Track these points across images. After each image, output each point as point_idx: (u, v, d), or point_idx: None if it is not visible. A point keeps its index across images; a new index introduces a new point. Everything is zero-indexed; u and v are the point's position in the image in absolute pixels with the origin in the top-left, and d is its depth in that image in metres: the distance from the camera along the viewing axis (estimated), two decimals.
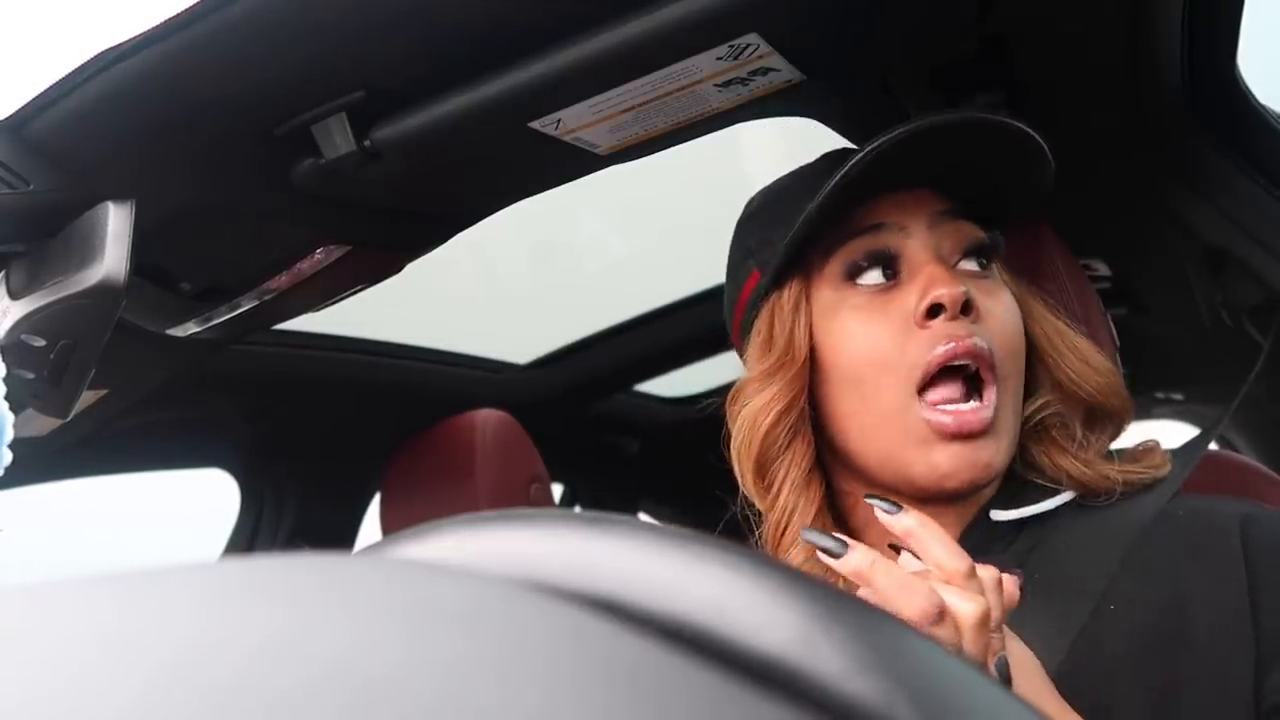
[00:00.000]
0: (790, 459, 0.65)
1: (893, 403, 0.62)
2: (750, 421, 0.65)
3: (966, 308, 0.61)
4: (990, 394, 0.61)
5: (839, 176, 0.61)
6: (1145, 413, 1.94)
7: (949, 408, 0.60)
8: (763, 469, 0.65)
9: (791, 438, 0.65)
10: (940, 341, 0.60)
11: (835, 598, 0.16)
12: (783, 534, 0.65)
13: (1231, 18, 0.76)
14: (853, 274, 0.65)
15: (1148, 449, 0.67)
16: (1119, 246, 1.12)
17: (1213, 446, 1.57)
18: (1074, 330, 0.68)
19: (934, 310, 0.61)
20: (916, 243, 0.64)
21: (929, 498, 0.63)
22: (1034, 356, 0.67)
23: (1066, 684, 0.55)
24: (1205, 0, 0.73)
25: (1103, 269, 1.17)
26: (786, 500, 0.64)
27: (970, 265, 0.65)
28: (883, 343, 0.62)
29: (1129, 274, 1.18)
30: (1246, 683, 0.53)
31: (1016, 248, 0.79)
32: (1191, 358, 1.43)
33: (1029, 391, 0.66)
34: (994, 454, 0.61)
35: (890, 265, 0.64)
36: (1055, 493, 0.64)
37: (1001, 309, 0.64)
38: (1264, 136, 0.85)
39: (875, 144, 0.60)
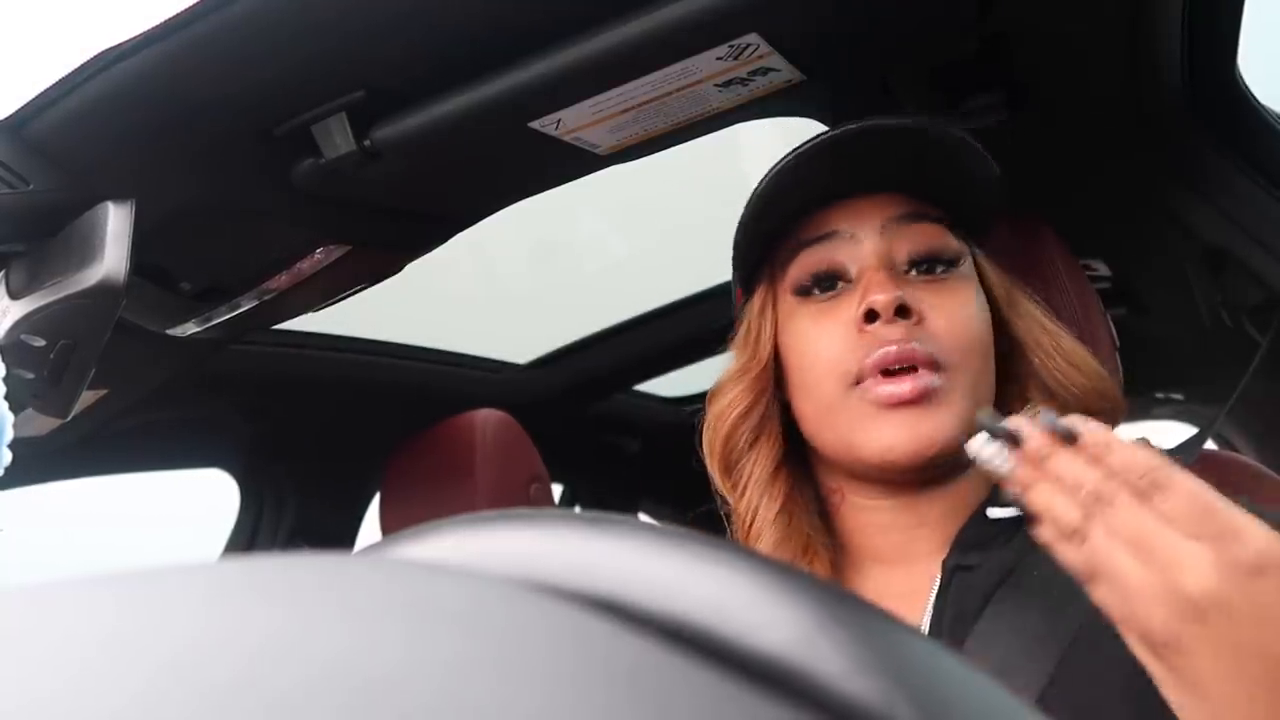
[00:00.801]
0: (755, 458, 0.68)
1: (831, 395, 0.64)
2: (715, 421, 0.69)
3: (903, 311, 0.62)
4: (934, 373, 0.61)
5: (752, 197, 0.64)
6: (1145, 413, 1.94)
7: (888, 378, 0.62)
8: (728, 467, 0.69)
9: (755, 437, 0.68)
10: (876, 346, 0.62)
11: (835, 598, 0.16)
12: (749, 529, 0.67)
13: (1231, 18, 0.76)
14: (802, 292, 0.67)
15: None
16: (1119, 246, 1.12)
17: (1212, 446, 1.57)
18: (1063, 331, 0.68)
19: (870, 316, 0.62)
20: (866, 249, 0.65)
21: (890, 480, 0.64)
22: (1021, 358, 0.67)
23: (1062, 683, 0.54)
24: (1205, 0, 0.73)
25: (1103, 269, 1.17)
26: (751, 498, 0.67)
27: (921, 269, 0.66)
28: (828, 346, 0.64)
29: (1129, 274, 1.18)
30: None
31: (1016, 248, 0.79)
32: (1191, 358, 1.43)
33: (1016, 395, 0.67)
34: (937, 427, 0.61)
35: (839, 279, 0.66)
36: None
37: (955, 307, 0.64)
38: (1264, 136, 0.85)
39: (783, 160, 0.63)
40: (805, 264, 0.67)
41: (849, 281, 0.66)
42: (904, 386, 0.60)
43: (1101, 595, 0.44)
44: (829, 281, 0.66)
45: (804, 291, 0.67)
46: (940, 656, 0.17)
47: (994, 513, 0.64)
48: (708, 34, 0.59)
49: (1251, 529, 0.41)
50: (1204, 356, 1.34)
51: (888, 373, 0.61)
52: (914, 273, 0.65)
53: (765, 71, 0.65)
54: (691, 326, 1.50)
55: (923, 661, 0.16)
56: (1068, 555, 0.45)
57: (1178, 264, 1.04)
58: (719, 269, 0.76)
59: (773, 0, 0.56)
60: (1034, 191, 0.95)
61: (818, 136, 0.63)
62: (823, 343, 0.65)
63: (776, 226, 0.68)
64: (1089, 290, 0.82)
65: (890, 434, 0.61)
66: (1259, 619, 0.40)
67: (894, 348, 0.61)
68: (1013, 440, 0.47)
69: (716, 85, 0.65)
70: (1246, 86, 0.83)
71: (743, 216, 0.66)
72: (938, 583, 0.63)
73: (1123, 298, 1.23)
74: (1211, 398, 1.80)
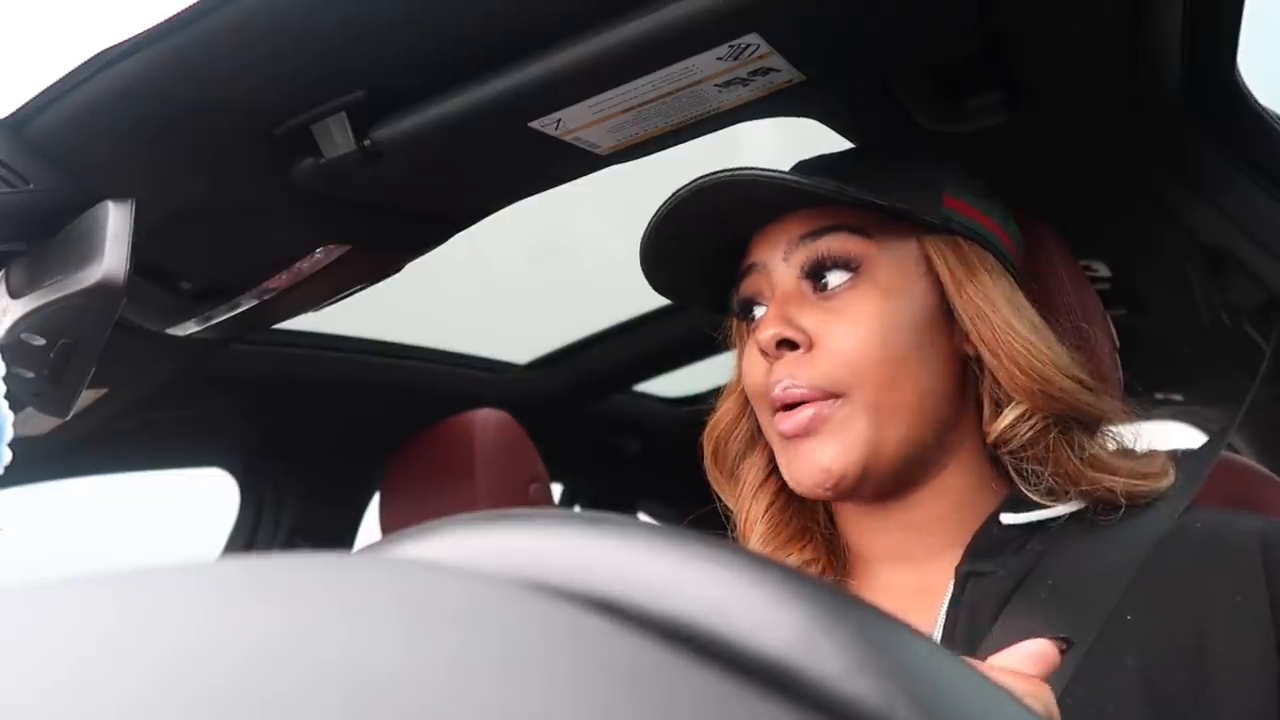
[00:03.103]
0: (747, 466, 0.72)
1: (764, 422, 0.68)
2: (710, 431, 0.74)
3: (787, 344, 0.63)
4: (823, 402, 0.62)
5: (642, 249, 0.69)
6: (1145, 413, 1.94)
7: (784, 412, 0.64)
8: (726, 472, 0.73)
9: (745, 447, 0.72)
10: (771, 382, 0.65)
11: (835, 598, 0.16)
12: (743, 525, 0.71)
13: (1231, 18, 0.76)
14: (741, 317, 0.72)
15: (1149, 456, 0.66)
16: (1119, 246, 1.12)
17: None
18: (1023, 333, 0.64)
19: (763, 352, 0.65)
20: (775, 277, 0.67)
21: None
22: (987, 367, 0.65)
23: (1077, 692, 0.54)
24: (1205, 0, 0.73)
25: (1103, 269, 1.17)
26: (744, 498, 0.72)
27: (817, 282, 0.65)
28: (752, 373, 0.67)
29: (1129, 274, 1.18)
30: (1271, 702, 0.53)
31: None
32: (1191, 358, 1.43)
33: (1000, 405, 0.65)
34: (832, 458, 0.62)
35: (758, 305, 0.69)
36: (1063, 501, 0.63)
37: (850, 321, 0.63)
38: (1264, 137, 0.85)
39: (650, 224, 0.67)
40: (739, 292, 0.70)
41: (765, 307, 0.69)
42: (793, 420, 0.63)
43: None
44: (754, 306, 0.69)
45: (741, 317, 0.71)
46: (940, 656, 0.17)
47: (1007, 518, 0.64)
48: (708, 34, 0.59)
49: None
50: (1204, 357, 1.34)
51: (785, 407, 0.64)
52: (819, 286, 0.65)
53: (766, 72, 0.65)
54: (692, 326, 1.49)
55: (923, 661, 0.16)
56: None
57: (1178, 264, 1.04)
58: None
59: (773, 0, 0.56)
60: (1034, 191, 0.95)
61: (689, 185, 0.66)
62: (750, 370, 0.68)
63: (697, 265, 0.71)
64: (1089, 290, 0.81)
65: (794, 466, 0.64)
66: None
67: (780, 384, 0.63)
68: None
69: (717, 85, 0.65)
70: (1246, 86, 0.83)
71: (643, 268, 0.70)
72: (950, 589, 0.63)
73: (1123, 298, 1.23)
74: (1212, 399, 1.81)
